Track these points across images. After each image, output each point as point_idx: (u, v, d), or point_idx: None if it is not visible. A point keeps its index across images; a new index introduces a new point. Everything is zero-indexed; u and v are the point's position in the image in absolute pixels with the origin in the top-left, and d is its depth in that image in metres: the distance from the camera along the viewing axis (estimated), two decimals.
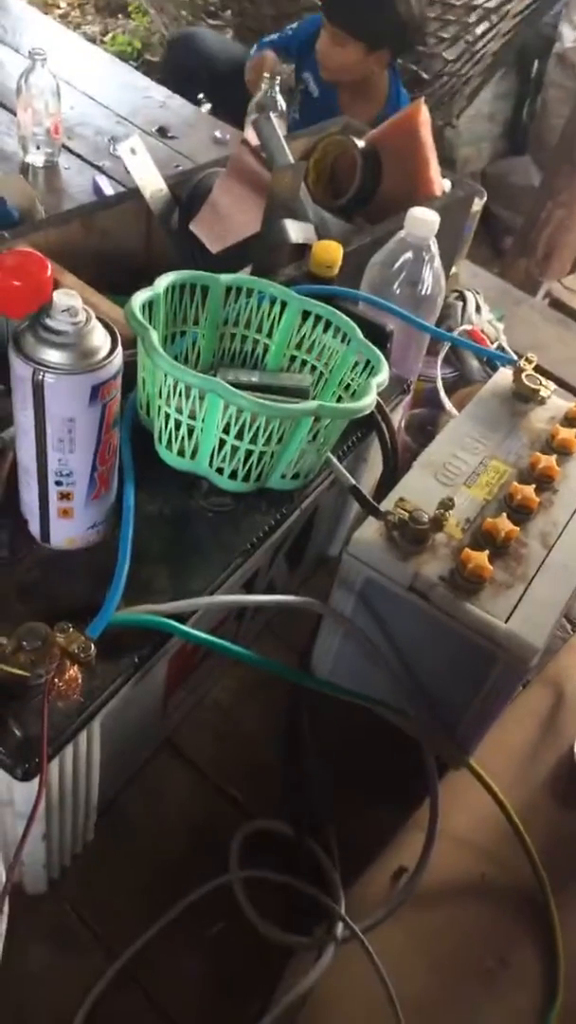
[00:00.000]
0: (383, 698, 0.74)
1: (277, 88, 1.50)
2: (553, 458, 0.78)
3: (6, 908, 0.52)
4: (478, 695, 0.70)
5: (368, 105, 1.87)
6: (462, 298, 1.15)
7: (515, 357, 0.91)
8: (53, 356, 0.55)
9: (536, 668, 0.81)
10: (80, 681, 0.55)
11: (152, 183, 1.06)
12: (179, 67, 2.21)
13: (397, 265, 0.93)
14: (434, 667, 0.73)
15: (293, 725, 0.78)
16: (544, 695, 0.86)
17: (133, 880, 0.68)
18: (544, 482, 0.77)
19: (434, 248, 0.92)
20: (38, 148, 1.48)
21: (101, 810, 0.67)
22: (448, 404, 1.03)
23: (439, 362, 1.06)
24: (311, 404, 0.64)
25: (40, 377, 0.54)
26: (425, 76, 2.53)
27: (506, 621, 0.66)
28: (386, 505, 0.71)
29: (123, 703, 0.59)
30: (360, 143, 1.18)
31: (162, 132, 1.66)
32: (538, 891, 0.71)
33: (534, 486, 0.75)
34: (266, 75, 1.53)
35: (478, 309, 1.15)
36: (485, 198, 1.27)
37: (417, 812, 0.73)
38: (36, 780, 0.52)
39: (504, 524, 0.71)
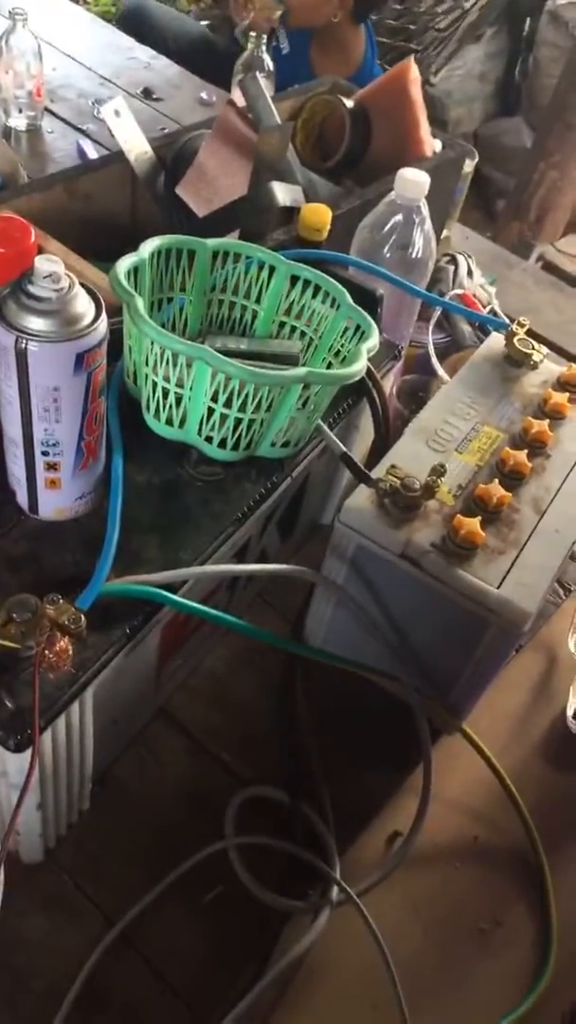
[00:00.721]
0: (376, 665, 0.74)
1: (263, 47, 1.47)
2: (545, 423, 0.78)
3: (2, 878, 0.53)
4: (471, 661, 0.71)
5: (340, 66, 1.83)
6: (454, 262, 1.14)
7: (507, 321, 0.90)
8: (36, 323, 0.54)
9: (529, 633, 0.82)
10: (71, 652, 0.54)
11: (137, 146, 1.04)
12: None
13: (387, 228, 0.91)
14: (427, 634, 0.73)
15: (287, 693, 0.78)
16: (537, 660, 0.86)
17: (129, 848, 0.68)
18: (536, 447, 0.77)
19: (425, 210, 0.91)
20: (20, 111, 1.45)
21: (96, 779, 0.68)
22: (440, 370, 1.02)
23: (431, 327, 1.05)
24: (300, 371, 0.63)
25: (23, 345, 0.53)
26: (411, 26, 2.47)
27: (498, 587, 0.66)
28: (377, 472, 0.71)
29: (115, 673, 0.59)
30: (349, 103, 1.16)
31: (147, 94, 1.63)
32: (531, 852, 0.72)
33: (526, 451, 0.75)
34: (252, 35, 1.49)
35: (470, 273, 1.14)
36: (477, 159, 1.25)
37: (411, 777, 0.74)
38: (29, 751, 0.52)
39: (496, 490, 0.70)
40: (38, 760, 0.53)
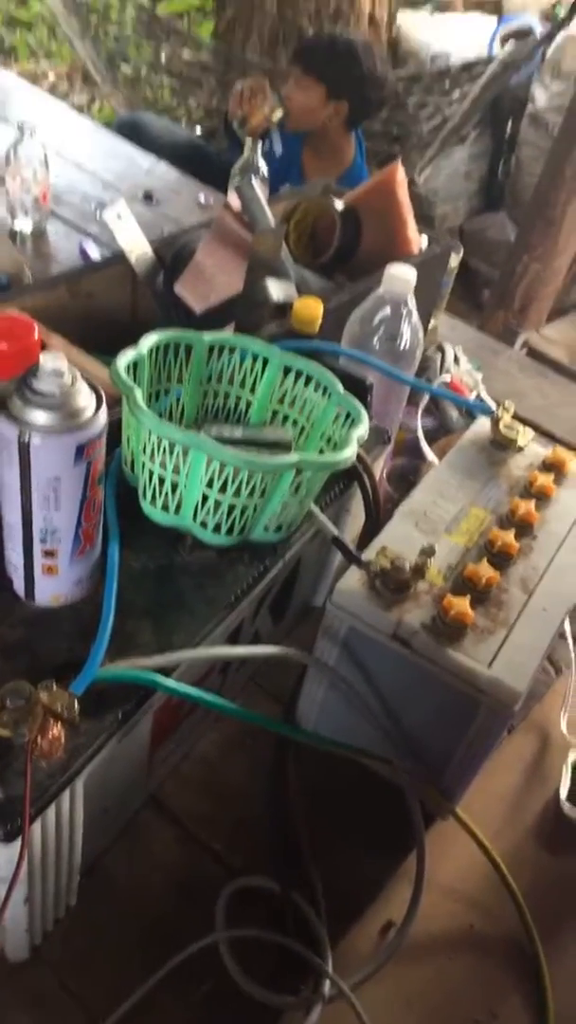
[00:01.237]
0: (369, 747, 0.74)
1: (259, 153, 1.56)
2: (532, 503, 0.80)
3: None
4: (463, 742, 0.71)
5: (331, 167, 1.94)
6: (441, 350, 1.18)
7: (493, 406, 0.93)
8: (39, 417, 0.56)
9: (520, 713, 0.82)
10: (63, 739, 0.55)
11: (137, 247, 1.09)
12: None
13: (376, 320, 0.95)
14: (419, 715, 0.73)
15: (278, 777, 0.77)
16: (529, 741, 0.86)
17: (118, 943, 0.67)
18: (523, 528, 0.79)
19: (411, 303, 0.95)
20: (26, 215, 1.52)
21: (84, 871, 0.67)
22: (429, 453, 1.05)
23: (419, 413, 1.08)
24: (292, 457, 0.66)
25: (26, 438, 0.56)
26: (395, 132, 2.63)
27: (488, 666, 0.67)
28: (368, 554, 0.72)
29: (107, 760, 0.59)
30: (339, 204, 1.22)
31: (148, 197, 1.71)
32: (526, 941, 0.70)
33: (513, 532, 0.76)
34: (248, 141, 1.57)
35: (456, 360, 1.18)
36: (461, 253, 1.31)
37: (405, 862, 0.73)
38: (18, 842, 0.52)
39: (485, 570, 0.72)
40: (27, 851, 0.53)
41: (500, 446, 0.88)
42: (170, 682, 0.61)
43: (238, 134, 1.88)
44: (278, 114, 1.88)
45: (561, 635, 0.89)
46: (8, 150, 1.49)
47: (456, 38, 3.33)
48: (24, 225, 1.53)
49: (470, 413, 1.13)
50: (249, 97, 1.84)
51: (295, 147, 1.98)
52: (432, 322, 1.35)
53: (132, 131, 2.29)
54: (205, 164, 2.13)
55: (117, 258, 1.10)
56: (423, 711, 0.72)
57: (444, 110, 2.58)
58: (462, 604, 0.68)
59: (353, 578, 0.71)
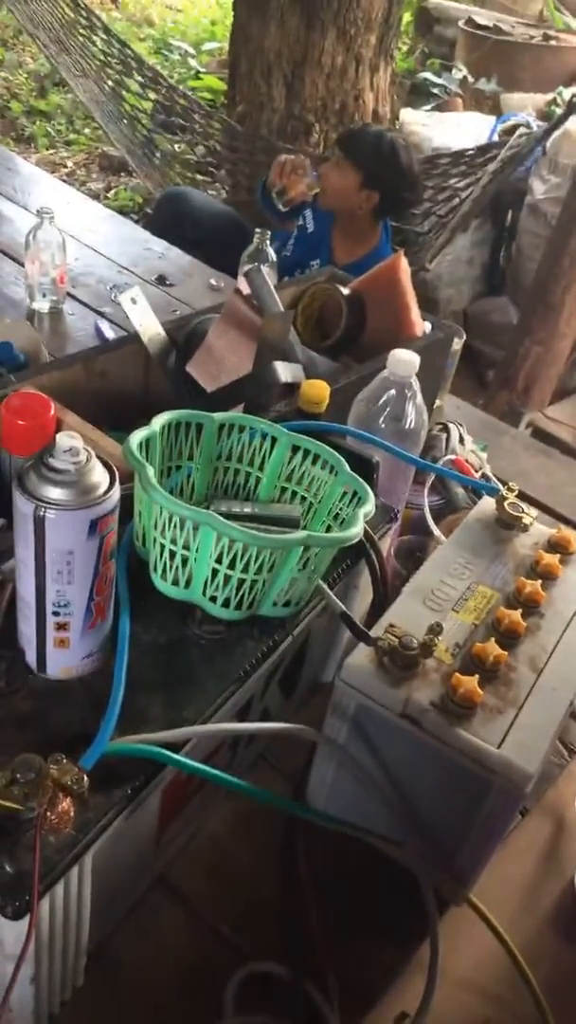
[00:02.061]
0: (380, 827, 0.73)
1: (268, 242, 1.62)
2: (538, 583, 0.80)
3: None
4: (475, 823, 0.70)
5: (356, 248, 2.03)
6: (446, 430, 1.21)
7: (498, 486, 0.95)
8: (54, 493, 0.58)
9: (533, 795, 0.81)
10: (72, 814, 0.54)
11: (150, 328, 1.13)
12: (165, 224, 2.39)
13: (381, 401, 0.98)
14: (430, 795, 0.72)
15: (288, 859, 0.76)
16: (543, 824, 0.85)
17: None
18: (530, 607, 0.79)
19: (415, 385, 0.98)
20: (44, 296, 1.58)
21: (91, 952, 0.65)
22: (436, 530, 1.06)
23: (426, 490, 1.10)
24: (300, 534, 0.67)
25: (42, 513, 0.57)
26: (416, 213, 2.74)
27: (499, 747, 0.66)
28: (376, 631, 0.73)
29: (115, 837, 0.58)
30: (345, 291, 1.27)
31: (161, 280, 1.78)
32: None
33: (520, 611, 0.77)
34: (257, 231, 1.64)
35: (461, 440, 1.20)
36: (464, 338, 1.35)
37: (419, 950, 0.70)
38: (26, 919, 0.51)
39: (493, 648, 0.72)
40: (35, 929, 0.52)
41: (506, 525, 0.89)
42: (180, 758, 0.61)
43: (275, 202, 2.00)
44: (314, 190, 2.01)
45: (573, 715, 0.88)
46: (28, 235, 1.55)
47: (456, 134, 3.49)
48: (42, 306, 1.58)
49: (476, 492, 1.15)
50: (290, 171, 1.96)
51: (325, 226, 2.08)
52: (437, 402, 1.38)
53: (177, 202, 2.46)
54: (240, 232, 2.24)
55: (131, 338, 1.14)
56: (434, 791, 0.71)
57: (460, 193, 2.70)
58: (471, 683, 0.68)
59: (362, 655, 0.72)
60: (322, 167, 2.02)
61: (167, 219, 2.37)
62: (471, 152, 2.76)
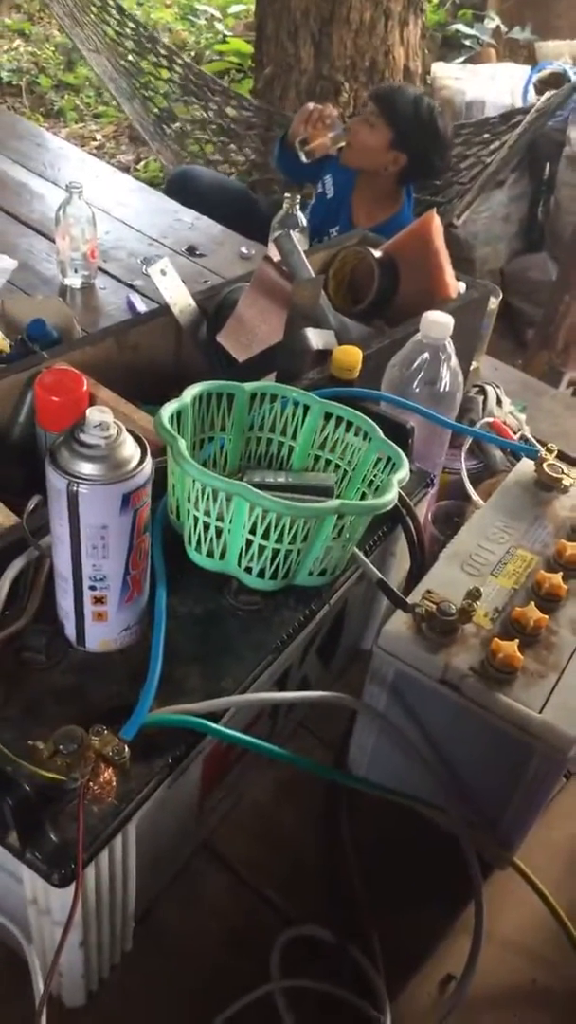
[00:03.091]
0: (422, 794, 0.73)
1: (298, 205, 1.60)
2: None
3: (44, 1022, 0.52)
4: (518, 789, 0.69)
5: (378, 213, 1.97)
6: (483, 392, 1.18)
7: (537, 447, 0.93)
8: (86, 468, 0.58)
9: None
10: (115, 784, 0.55)
11: (181, 300, 1.12)
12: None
13: (415, 365, 0.96)
14: (472, 761, 0.72)
15: (332, 824, 0.77)
16: None
17: (173, 991, 0.66)
18: (571, 569, 0.78)
19: (450, 348, 0.96)
20: (75, 271, 1.58)
21: (139, 918, 0.67)
22: (474, 495, 1.04)
23: (463, 454, 1.08)
24: (333, 502, 0.66)
25: (75, 488, 0.58)
26: (437, 182, 2.67)
27: (540, 711, 0.65)
28: (414, 598, 0.72)
29: (158, 805, 0.59)
30: (377, 253, 1.25)
31: (191, 251, 1.76)
32: None
33: (561, 574, 0.75)
34: (287, 196, 1.62)
35: (499, 402, 1.18)
36: (500, 296, 1.32)
37: (463, 913, 0.71)
38: (72, 887, 0.52)
39: (533, 612, 0.71)
40: (81, 896, 0.53)
41: (545, 487, 0.88)
42: (218, 727, 0.61)
43: (297, 153, 1.92)
44: (340, 143, 1.92)
45: None
46: (58, 211, 1.55)
47: (490, 87, 3.39)
48: (74, 281, 1.59)
49: (514, 454, 1.13)
50: (316, 119, 1.89)
51: (346, 190, 2.02)
52: (474, 364, 1.35)
53: (184, 182, 2.39)
54: (253, 213, 2.20)
55: (162, 311, 1.13)
56: (476, 757, 0.71)
57: (485, 159, 2.62)
58: (510, 648, 0.67)
59: (399, 621, 0.71)
60: (352, 121, 1.96)
61: (177, 198, 2.34)
62: (494, 120, 2.67)
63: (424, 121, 1.92)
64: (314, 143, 1.89)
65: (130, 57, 3.09)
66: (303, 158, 1.91)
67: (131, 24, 3.02)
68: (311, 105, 1.92)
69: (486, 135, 2.67)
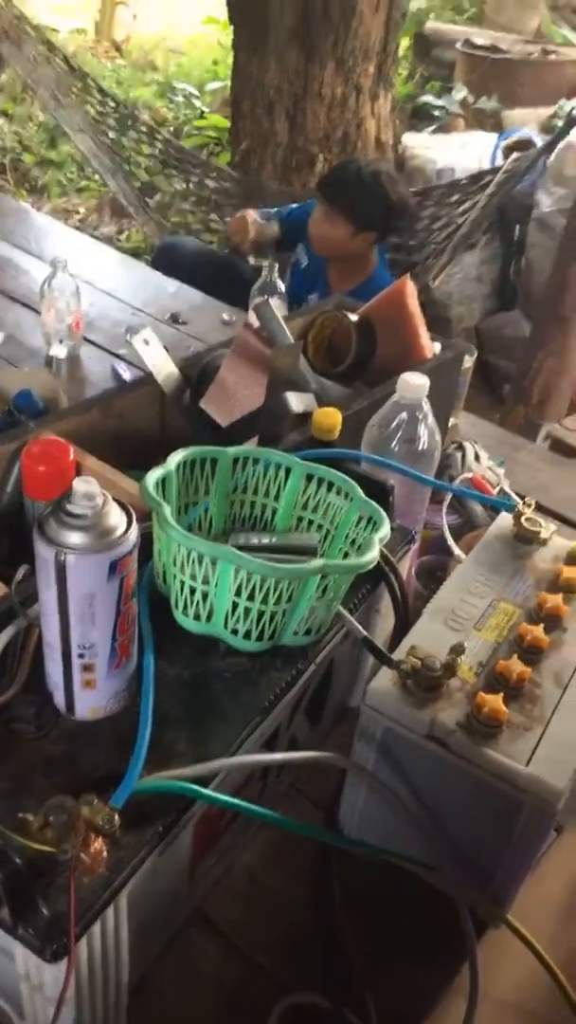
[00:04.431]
0: (413, 852, 0.73)
1: (275, 273, 1.65)
2: (559, 597, 0.80)
3: None
4: (509, 843, 0.69)
5: (355, 276, 2.03)
6: (461, 448, 1.21)
7: (515, 501, 0.95)
8: (74, 538, 0.59)
9: (567, 812, 0.80)
10: (105, 854, 0.55)
11: (164, 368, 1.15)
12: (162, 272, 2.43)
13: (393, 425, 0.99)
14: (461, 817, 0.72)
15: (323, 887, 0.76)
16: None
17: None
18: (552, 621, 0.79)
19: (427, 407, 0.99)
20: (61, 342, 1.62)
21: (132, 991, 0.66)
22: (456, 549, 1.06)
23: (444, 510, 1.11)
24: (316, 563, 0.68)
25: (63, 558, 0.59)
26: (412, 243, 2.75)
27: (527, 764, 0.66)
28: (399, 654, 0.73)
29: (149, 874, 0.59)
30: (353, 317, 1.29)
31: (174, 319, 1.81)
32: None
33: (543, 626, 0.77)
34: (265, 264, 1.67)
35: (477, 457, 1.21)
36: (475, 355, 1.36)
37: (458, 973, 0.70)
38: (65, 962, 0.52)
39: (516, 665, 0.72)
40: (74, 970, 0.53)
41: (525, 540, 0.89)
42: (209, 792, 0.61)
43: (251, 260, 2.08)
44: (272, 231, 2.06)
45: None
46: (43, 284, 1.59)
47: (460, 155, 3.52)
48: (59, 352, 1.62)
49: (493, 508, 1.15)
50: (235, 232, 2.05)
51: (320, 258, 2.09)
52: (452, 420, 1.39)
53: (170, 253, 2.48)
54: (236, 279, 2.26)
55: (146, 378, 1.16)
56: (465, 813, 0.71)
57: (456, 220, 2.71)
58: (495, 701, 0.68)
59: (385, 678, 0.72)
60: (310, 221, 1.99)
61: (164, 270, 2.40)
62: (464, 182, 2.77)
63: (376, 196, 1.93)
64: (244, 248, 2.07)
65: (111, 134, 3.20)
66: (250, 260, 2.08)
67: (112, 103, 3.14)
68: (239, 213, 2.07)
69: (457, 195, 2.76)
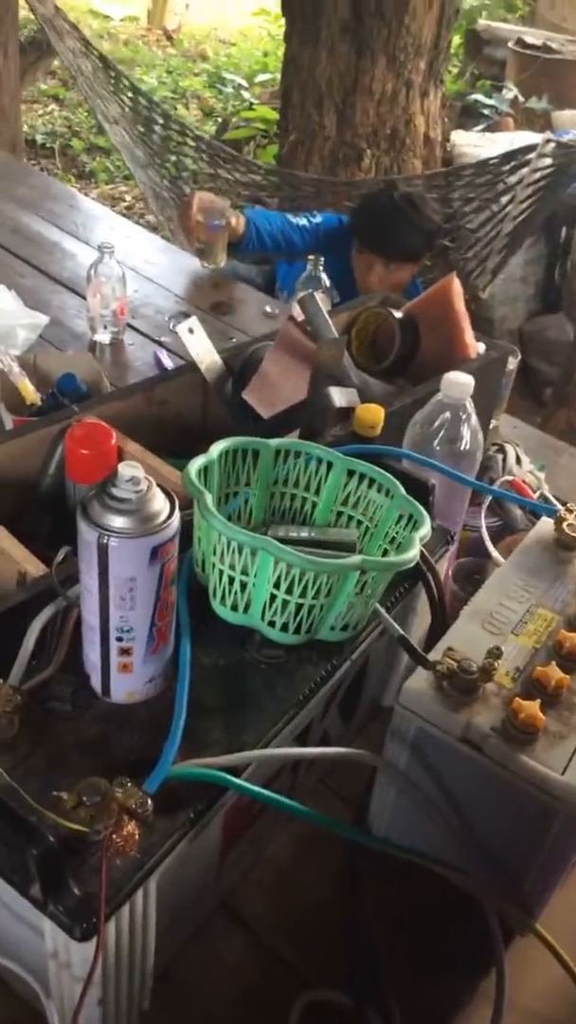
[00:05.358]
0: (442, 853, 0.72)
1: (321, 267, 1.64)
2: None
3: None
4: (541, 851, 0.69)
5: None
6: (502, 451, 1.20)
7: (557, 506, 0.94)
8: (117, 521, 0.59)
9: None
10: (137, 837, 0.55)
11: (207, 357, 1.15)
12: None
13: (436, 424, 0.98)
14: (493, 822, 0.71)
15: (350, 884, 0.76)
16: None
17: None
18: None
19: (470, 407, 0.98)
20: (105, 328, 1.63)
21: (156, 975, 0.66)
22: (494, 552, 1.05)
23: (483, 512, 1.09)
24: (356, 559, 0.67)
25: (105, 541, 0.59)
26: (450, 245, 2.71)
27: (563, 773, 0.65)
28: (435, 655, 0.72)
29: (179, 860, 0.59)
30: (398, 314, 1.28)
31: (217, 309, 1.81)
32: None
33: None
34: (310, 258, 1.66)
35: (518, 460, 1.19)
36: (519, 357, 1.34)
37: (484, 980, 0.69)
38: (93, 941, 0.52)
39: (554, 672, 0.71)
40: (102, 951, 0.53)
41: (565, 546, 0.88)
42: (241, 782, 0.61)
43: (202, 261, 1.92)
44: (219, 220, 1.83)
45: None
46: (89, 269, 1.60)
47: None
48: (103, 337, 1.63)
49: (534, 513, 1.14)
50: (189, 228, 1.85)
51: (348, 270, 2.04)
52: (493, 422, 1.37)
53: None
54: (269, 274, 2.25)
55: (189, 367, 1.16)
56: (497, 818, 0.71)
57: (492, 205, 2.66)
58: (532, 707, 0.67)
59: (420, 679, 0.71)
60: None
61: None
62: (495, 160, 2.66)
63: (428, 229, 1.89)
64: (216, 246, 1.86)
65: (140, 127, 3.19)
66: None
67: (144, 100, 3.13)
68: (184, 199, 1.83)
69: (488, 175, 2.68)
